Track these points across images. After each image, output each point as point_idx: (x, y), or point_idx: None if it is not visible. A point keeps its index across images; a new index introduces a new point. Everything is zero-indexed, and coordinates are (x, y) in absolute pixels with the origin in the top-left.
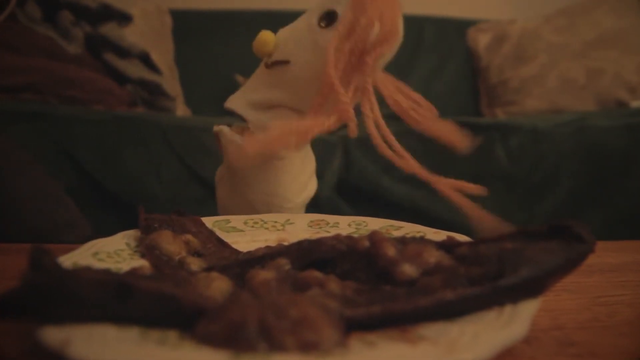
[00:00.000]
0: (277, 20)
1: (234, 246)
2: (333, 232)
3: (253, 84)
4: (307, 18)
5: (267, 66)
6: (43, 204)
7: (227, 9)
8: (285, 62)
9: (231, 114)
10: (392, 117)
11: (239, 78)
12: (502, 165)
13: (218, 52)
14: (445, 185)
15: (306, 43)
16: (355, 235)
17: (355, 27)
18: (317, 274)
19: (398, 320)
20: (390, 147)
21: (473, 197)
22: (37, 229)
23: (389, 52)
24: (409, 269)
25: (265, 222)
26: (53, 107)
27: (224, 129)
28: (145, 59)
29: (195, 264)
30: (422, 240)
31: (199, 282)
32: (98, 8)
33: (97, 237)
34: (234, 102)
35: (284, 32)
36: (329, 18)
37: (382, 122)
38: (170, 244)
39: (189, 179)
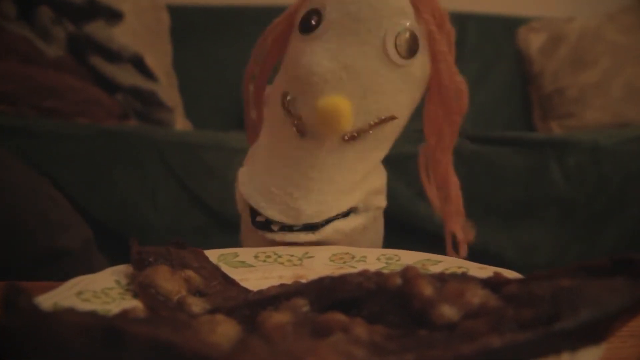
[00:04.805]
0: None
1: (243, 284)
2: (359, 267)
3: (339, 172)
4: (362, 53)
5: (348, 139)
6: (35, 201)
7: (233, 4)
8: (391, 119)
9: (239, 127)
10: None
11: None
12: (559, 188)
13: (223, 55)
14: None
15: (397, 84)
16: (386, 272)
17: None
18: (340, 317)
19: None
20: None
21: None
22: (28, 228)
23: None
24: (448, 311)
25: (280, 256)
26: (29, 120)
27: None
28: (138, 64)
29: (197, 304)
30: (464, 277)
31: (202, 327)
32: (83, 3)
33: (96, 242)
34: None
35: (345, 86)
36: (412, 43)
37: None
38: (168, 281)
39: (190, 204)
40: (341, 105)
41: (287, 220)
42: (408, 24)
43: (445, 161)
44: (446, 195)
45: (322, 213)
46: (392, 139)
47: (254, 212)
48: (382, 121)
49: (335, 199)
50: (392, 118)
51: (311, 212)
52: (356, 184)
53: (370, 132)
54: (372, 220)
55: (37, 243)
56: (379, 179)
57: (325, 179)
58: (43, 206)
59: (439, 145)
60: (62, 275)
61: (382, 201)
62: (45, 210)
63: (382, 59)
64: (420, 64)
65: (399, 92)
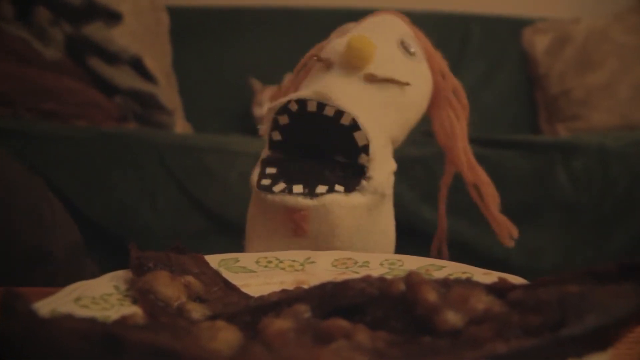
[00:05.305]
0: (293, 18)
1: (244, 290)
2: (362, 272)
3: (360, 100)
4: (383, 39)
5: (370, 79)
6: (30, 201)
7: (233, 5)
8: (405, 84)
9: (239, 130)
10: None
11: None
12: (565, 191)
13: (224, 56)
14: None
15: (407, 67)
16: (389, 277)
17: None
18: (342, 323)
19: None
20: None
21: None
22: (21, 228)
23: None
24: (453, 317)
25: (281, 261)
26: (27, 122)
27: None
28: (138, 65)
29: (197, 311)
30: (468, 282)
31: (202, 333)
32: (81, 4)
33: (95, 246)
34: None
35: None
36: (416, 48)
37: None
38: (168, 287)
39: (190, 208)
40: (368, 39)
41: (320, 98)
42: (411, 38)
43: (466, 151)
44: (479, 186)
45: (352, 107)
46: (405, 116)
47: (260, 177)
48: (399, 81)
49: (361, 114)
50: (407, 83)
51: (342, 101)
52: (377, 128)
53: (388, 82)
54: (376, 204)
55: (27, 243)
56: (391, 165)
57: (350, 98)
58: (37, 206)
59: (454, 139)
60: (47, 276)
61: (388, 187)
62: (39, 211)
63: (397, 48)
64: (425, 67)
65: (411, 73)
